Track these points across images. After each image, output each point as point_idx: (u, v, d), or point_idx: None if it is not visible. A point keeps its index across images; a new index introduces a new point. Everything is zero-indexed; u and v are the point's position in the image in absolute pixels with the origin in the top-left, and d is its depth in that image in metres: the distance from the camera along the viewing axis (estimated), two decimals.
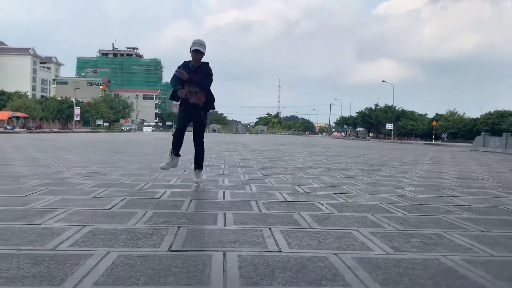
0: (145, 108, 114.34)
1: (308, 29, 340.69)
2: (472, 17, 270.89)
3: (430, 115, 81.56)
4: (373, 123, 79.95)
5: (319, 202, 4.40)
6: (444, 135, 38.07)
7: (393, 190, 5.60)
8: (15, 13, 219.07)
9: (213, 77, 5.31)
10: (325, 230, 3.17)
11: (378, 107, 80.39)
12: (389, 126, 64.55)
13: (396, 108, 76.57)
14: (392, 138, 67.41)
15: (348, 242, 2.85)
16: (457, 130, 71.42)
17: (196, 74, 5.11)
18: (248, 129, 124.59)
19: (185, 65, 5.19)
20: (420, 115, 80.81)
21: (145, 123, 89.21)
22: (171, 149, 5.42)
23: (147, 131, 73.50)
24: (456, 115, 77.75)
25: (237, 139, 36.85)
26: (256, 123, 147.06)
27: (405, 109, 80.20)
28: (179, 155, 5.48)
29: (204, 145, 5.58)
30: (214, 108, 5.66)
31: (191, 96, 5.15)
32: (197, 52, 5.09)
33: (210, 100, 5.37)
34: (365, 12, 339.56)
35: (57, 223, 3.13)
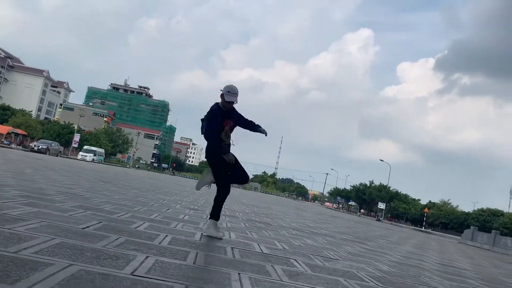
0: (144, 147, 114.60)
1: (316, 99, 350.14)
2: (476, 114, 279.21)
3: (424, 201, 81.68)
4: (366, 199, 79.91)
5: (295, 260, 4.33)
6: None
7: (372, 262, 5.53)
8: (37, 36, 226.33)
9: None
10: (294, 285, 3.11)
11: (372, 185, 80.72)
12: (381, 205, 64.35)
13: (391, 189, 76.82)
14: (383, 217, 66.98)
15: None
16: (448, 221, 71.12)
17: (230, 121, 4.92)
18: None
19: (222, 112, 4.86)
20: (414, 199, 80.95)
21: (85, 147, 57.31)
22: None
23: (83, 159, 49.10)
24: (449, 206, 77.80)
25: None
26: (251, 180, 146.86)
27: (399, 191, 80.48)
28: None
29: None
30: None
31: (227, 139, 4.93)
32: (231, 103, 4.86)
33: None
34: (374, 92, 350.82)
35: (27, 231, 3.09)
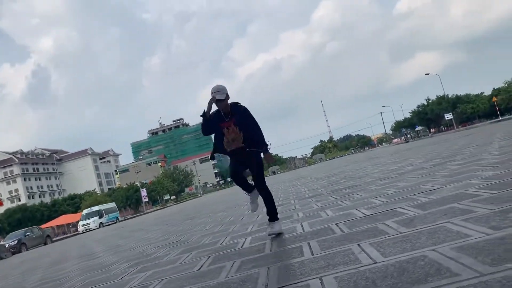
0: (204, 172, 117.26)
1: (336, 49, 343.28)
2: None
3: (488, 92, 77.55)
4: (431, 118, 77.00)
5: (400, 207, 4.24)
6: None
7: (473, 174, 5.30)
8: (67, 121, 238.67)
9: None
10: (415, 231, 3.04)
11: (430, 101, 77.62)
12: (448, 116, 61.77)
13: (450, 97, 73.62)
14: (455, 127, 64.33)
15: (442, 235, 2.72)
16: None
17: (229, 123, 4.60)
18: (306, 161, 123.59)
19: (218, 116, 4.64)
20: (477, 95, 77.10)
21: (84, 212, 43.05)
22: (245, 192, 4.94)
23: (87, 229, 38.35)
24: None
25: (298, 173, 36.63)
26: (313, 153, 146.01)
27: (458, 94, 76.99)
28: (252, 190, 4.83)
29: (268, 189, 4.69)
30: (267, 150, 4.71)
31: (228, 146, 4.65)
32: (218, 101, 4.51)
33: (259, 141, 4.65)
34: (388, 14, 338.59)
35: None
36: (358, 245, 3.07)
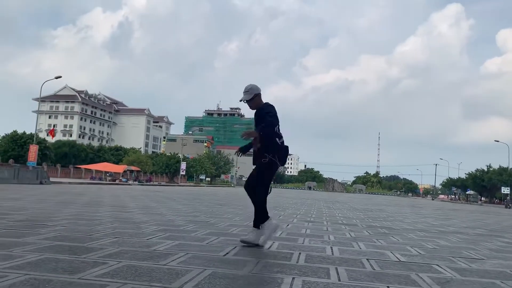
0: (244, 165, 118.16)
1: (410, 87, 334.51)
2: None
3: None
4: (486, 186, 73.17)
5: (437, 265, 4.10)
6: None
7: None
8: (133, 77, 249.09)
9: (272, 114, 4.50)
10: None
11: (491, 169, 73.72)
12: (505, 190, 58.41)
13: None
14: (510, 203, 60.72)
15: None
16: None
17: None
18: (345, 187, 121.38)
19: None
20: None
21: None
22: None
23: None
24: None
25: (335, 197, 36.06)
26: (354, 182, 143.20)
27: None
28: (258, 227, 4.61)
29: (258, 198, 4.74)
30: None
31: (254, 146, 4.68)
32: (246, 102, 4.68)
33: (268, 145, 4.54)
34: (474, 69, 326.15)
35: (180, 264, 3.33)
36: (388, 287, 3.01)
